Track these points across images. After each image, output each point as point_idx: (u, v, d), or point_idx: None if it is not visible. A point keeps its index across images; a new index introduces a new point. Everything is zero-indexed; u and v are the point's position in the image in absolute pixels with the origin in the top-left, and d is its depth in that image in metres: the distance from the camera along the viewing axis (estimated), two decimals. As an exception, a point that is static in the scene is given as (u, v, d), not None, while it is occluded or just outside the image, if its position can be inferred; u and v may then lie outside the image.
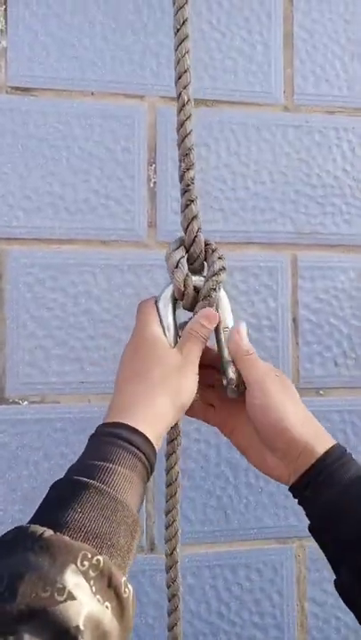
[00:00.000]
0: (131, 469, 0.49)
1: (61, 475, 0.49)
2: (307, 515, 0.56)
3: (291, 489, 0.57)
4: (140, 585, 0.85)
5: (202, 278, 0.61)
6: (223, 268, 0.60)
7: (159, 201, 0.88)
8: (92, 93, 0.87)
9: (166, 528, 0.62)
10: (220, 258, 0.60)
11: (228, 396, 0.60)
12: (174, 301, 0.60)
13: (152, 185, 0.88)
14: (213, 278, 0.59)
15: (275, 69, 0.92)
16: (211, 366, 0.61)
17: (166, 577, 0.61)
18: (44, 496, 0.48)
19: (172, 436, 0.64)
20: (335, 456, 0.54)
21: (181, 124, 0.60)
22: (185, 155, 0.60)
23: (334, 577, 0.53)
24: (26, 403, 0.83)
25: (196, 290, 0.60)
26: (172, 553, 0.62)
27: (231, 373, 0.59)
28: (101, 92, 0.87)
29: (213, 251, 0.61)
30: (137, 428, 0.51)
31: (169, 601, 0.61)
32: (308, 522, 0.56)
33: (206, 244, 0.62)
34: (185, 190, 0.60)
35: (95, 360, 0.85)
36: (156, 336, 0.57)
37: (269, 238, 0.91)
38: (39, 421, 0.83)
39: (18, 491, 0.81)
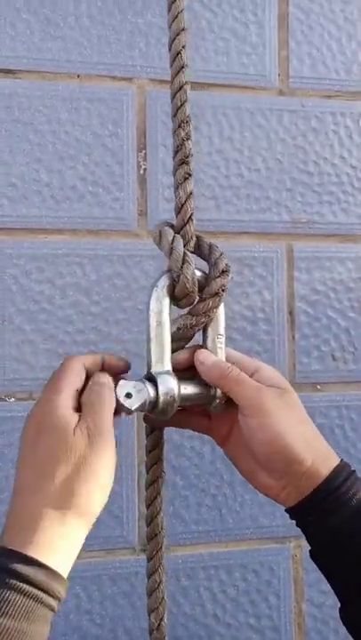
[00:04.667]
0: (24, 619, 0.39)
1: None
2: (308, 540, 0.51)
3: (289, 511, 0.52)
4: (133, 588, 0.82)
5: (199, 272, 0.55)
6: (228, 266, 0.55)
7: (150, 188, 0.84)
8: (78, 76, 0.83)
9: (150, 539, 0.57)
10: (222, 255, 0.55)
11: (212, 411, 0.55)
12: (171, 295, 0.54)
13: (142, 172, 0.84)
14: (224, 277, 0.54)
15: (269, 51, 0.88)
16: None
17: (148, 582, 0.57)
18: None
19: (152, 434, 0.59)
20: (341, 477, 0.50)
21: (180, 88, 0.54)
22: (184, 122, 0.54)
23: (339, 605, 0.50)
24: (12, 400, 0.80)
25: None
26: (153, 556, 0.58)
27: (213, 390, 0.54)
28: (88, 75, 0.83)
29: (211, 246, 0.56)
30: (36, 557, 0.40)
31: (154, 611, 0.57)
32: (310, 547, 0.52)
33: (197, 237, 0.56)
34: (182, 162, 0.54)
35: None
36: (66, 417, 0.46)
37: (264, 228, 0.88)
38: (26, 419, 0.80)
39: (5, 491, 0.78)
